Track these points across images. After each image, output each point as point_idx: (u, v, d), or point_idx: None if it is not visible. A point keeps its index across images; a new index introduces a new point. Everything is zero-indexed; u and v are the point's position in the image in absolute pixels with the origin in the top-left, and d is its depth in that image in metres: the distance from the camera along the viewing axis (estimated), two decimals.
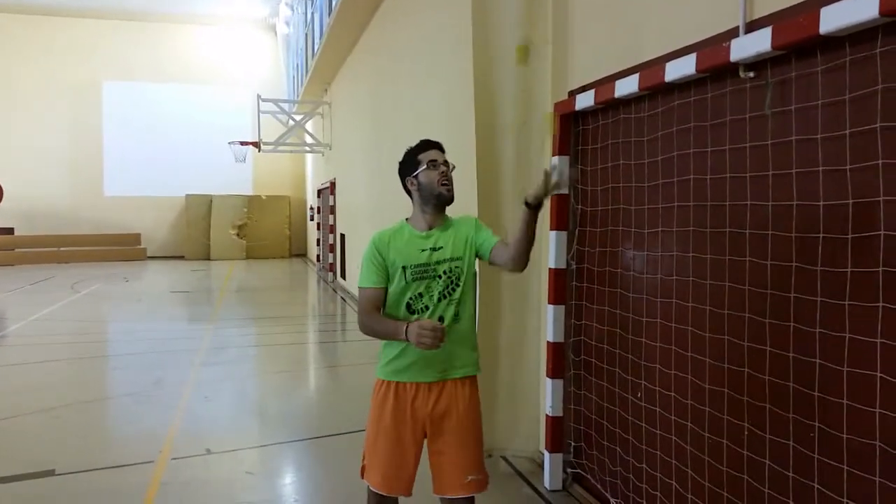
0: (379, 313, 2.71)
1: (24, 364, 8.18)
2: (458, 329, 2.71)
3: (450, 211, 2.80)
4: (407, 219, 2.79)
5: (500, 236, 2.73)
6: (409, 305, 2.68)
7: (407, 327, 2.50)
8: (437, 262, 2.67)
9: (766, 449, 2.63)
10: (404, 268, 2.66)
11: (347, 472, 4.41)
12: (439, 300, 2.67)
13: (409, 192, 2.78)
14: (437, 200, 2.70)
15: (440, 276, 2.67)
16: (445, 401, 2.70)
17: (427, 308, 2.66)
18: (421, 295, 2.67)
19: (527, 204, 2.47)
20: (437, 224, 2.73)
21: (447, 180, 2.70)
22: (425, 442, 2.76)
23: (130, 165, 25.28)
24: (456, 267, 2.69)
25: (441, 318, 2.66)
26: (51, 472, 4.62)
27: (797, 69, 2.47)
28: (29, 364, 8.16)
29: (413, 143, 2.81)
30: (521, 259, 2.58)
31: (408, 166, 2.75)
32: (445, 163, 2.72)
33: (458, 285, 2.69)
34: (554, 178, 2.42)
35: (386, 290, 2.71)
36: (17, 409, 6.13)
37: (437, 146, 2.77)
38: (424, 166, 2.69)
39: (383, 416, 2.70)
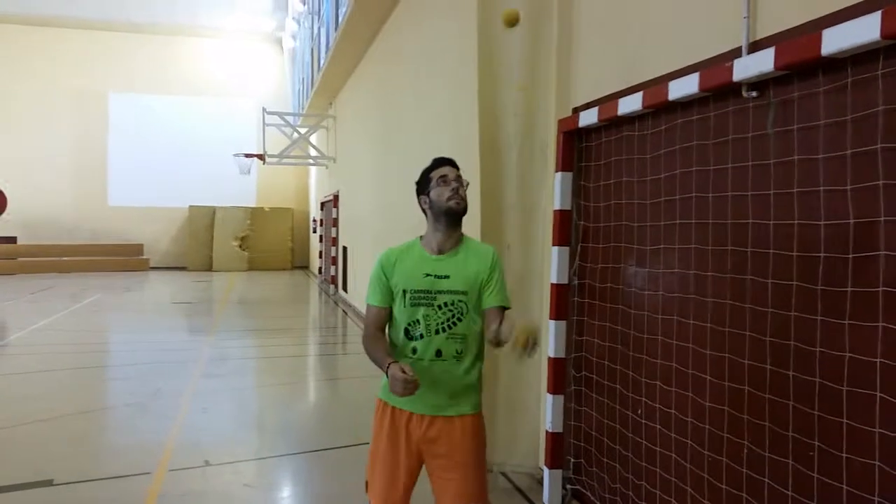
0: (382, 333, 2.69)
1: (24, 373, 8.17)
2: (458, 369, 2.63)
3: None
4: (421, 237, 2.74)
5: (503, 301, 2.63)
6: (406, 331, 2.63)
7: (389, 366, 2.44)
8: (439, 292, 2.60)
9: (765, 467, 2.62)
10: (405, 291, 2.61)
11: (346, 486, 4.40)
12: (437, 332, 2.59)
13: (424, 211, 2.74)
14: (447, 216, 2.62)
15: (440, 307, 2.59)
16: (437, 429, 2.63)
17: (422, 337, 2.60)
18: (418, 322, 2.60)
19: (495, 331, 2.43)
20: (450, 246, 2.66)
21: (457, 195, 2.62)
22: (425, 464, 2.71)
23: (134, 176, 25.38)
24: (459, 301, 2.60)
25: (439, 352, 2.59)
26: (49, 482, 4.60)
27: (799, 89, 2.50)
28: (29, 373, 8.15)
29: (418, 160, 2.81)
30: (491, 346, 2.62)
31: (421, 185, 2.72)
32: (458, 178, 2.67)
33: (459, 320, 2.60)
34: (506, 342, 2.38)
35: (390, 309, 2.68)
36: (16, 418, 6.12)
37: (450, 162, 2.72)
38: (435, 183, 2.66)
39: (381, 437, 2.68)
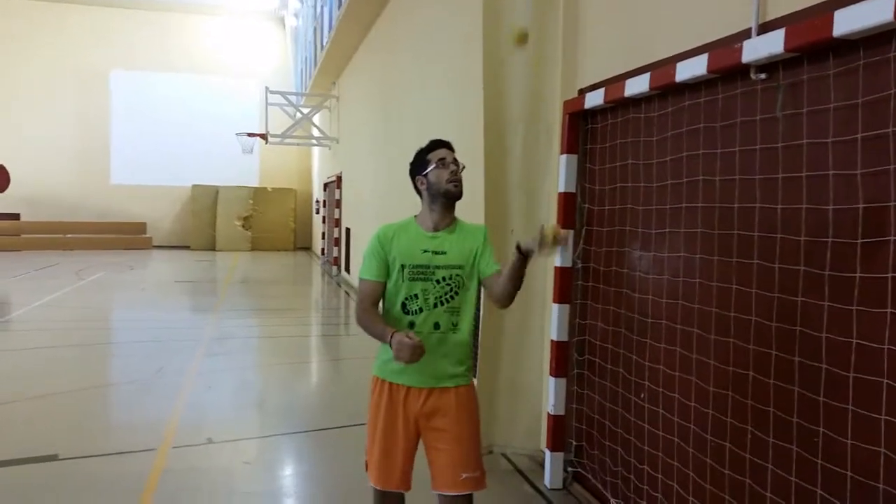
0: (376, 308, 2.72)
1: (27, 349, 8.21)
2: (455, 339, 2.69)
3: (460, 207, 2.79)
4: (416, 216, 2.79)
5: (500, 266, 2.69)
6: (403, 305, 2.67)
7: (392, 335, 2.48)
8: (437, 267, 2.66)
9: (768, 453, 2.62)
10: (403, 266, 2.66)
11: (347, 466, 4.42)
12: (435, 305, 2.65)
13: (418, 192, 2.78)
14: (445, 198, 2.69)
15: (438, 281, 2.66)
16: (435, 401, 2.69)
17: (421, 311, 2.65)
18: (416, 296, 2.65)
19: (518, 250, 2.46)
20: (445, 225, 2.72)
21: (456, 178, 2.69)
22: (421, 438, 2.76)
23: (137, 154, 25.32)
24: (456, 275, 2.67)
25: (437, 325, 2.65)
26: (53, 458, 4.63)
27: (809, 72, 2.46)
28: (32, 350, 8.19)
29: (422, 142, 2.82)
30: (507, 300, 2.66)
31: (418, 165, 2.76)
32: (455, 161, 2.72)
33: (456, 294, 2.67)
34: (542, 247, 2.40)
35: (385, 284, 2.71)
36: (20, 393, 6.16)
37: (447, 145, 2.77)
38: (434, 165, 2.69)
39: (379, 414, 2.72)
